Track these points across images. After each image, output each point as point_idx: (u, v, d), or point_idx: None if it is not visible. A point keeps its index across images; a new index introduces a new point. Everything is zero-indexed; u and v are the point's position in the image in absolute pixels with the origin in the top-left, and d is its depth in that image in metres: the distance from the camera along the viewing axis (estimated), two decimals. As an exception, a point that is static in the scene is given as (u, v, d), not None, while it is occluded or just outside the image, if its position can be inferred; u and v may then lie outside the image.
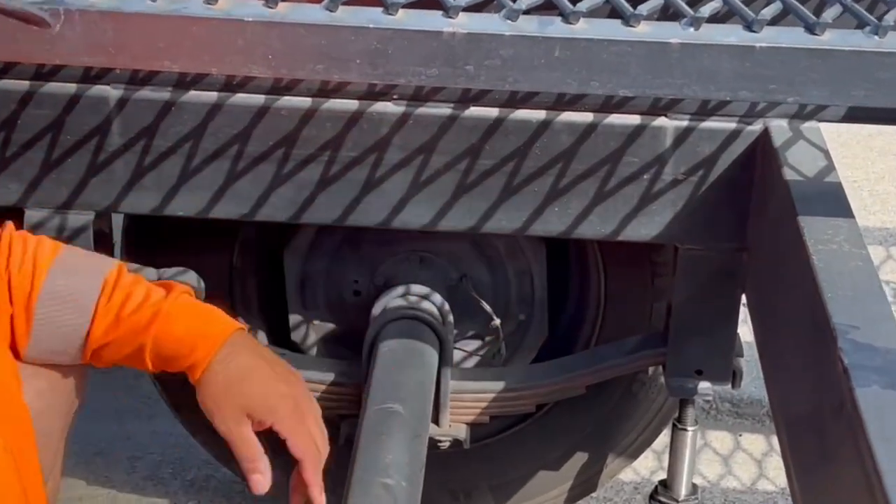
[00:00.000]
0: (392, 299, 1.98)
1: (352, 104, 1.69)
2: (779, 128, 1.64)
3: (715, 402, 2.84)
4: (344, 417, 1.98)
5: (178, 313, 1.39)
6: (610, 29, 1.35)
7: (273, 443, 1.46)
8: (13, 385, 1.34)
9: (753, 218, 1.68)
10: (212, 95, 1.69)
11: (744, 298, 1.78)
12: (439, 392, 1.93)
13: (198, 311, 1.41)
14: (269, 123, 1.69)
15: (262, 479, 1.39)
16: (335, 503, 2.11)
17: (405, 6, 1.36)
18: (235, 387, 1.37)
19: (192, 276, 1.88)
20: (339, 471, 1.95)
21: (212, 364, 1.37)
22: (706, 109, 1.66)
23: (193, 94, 1.69)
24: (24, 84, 1.69)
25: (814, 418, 1.30)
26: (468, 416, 1.98)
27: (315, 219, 1.76)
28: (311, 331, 2.13)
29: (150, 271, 1.88)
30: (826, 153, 1.60)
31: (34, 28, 1.31)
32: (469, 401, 1.97)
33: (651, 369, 2.06)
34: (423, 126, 1.69)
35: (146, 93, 1.69)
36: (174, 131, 1.70)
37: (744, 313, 1.77)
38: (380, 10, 1.36)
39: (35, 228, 1.74)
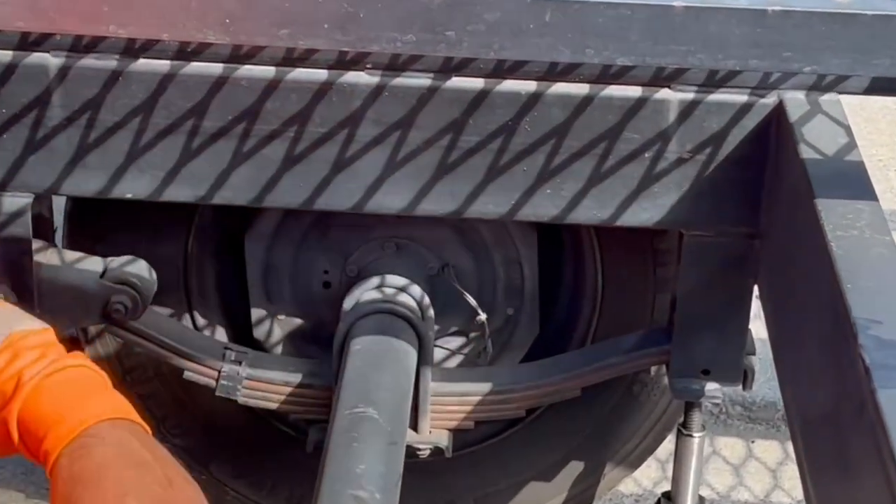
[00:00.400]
0: (365, 292, 1.99)
1: (320, 74, 1.68)
2: (795, 101, 1.65)
3: (724, 405, 2.84)
4: (312, 422, 1.98)
5: (50, 387, 1.20)
6: (607, -10, 1.36)
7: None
8: None
9: (766, 201, 1.69)
10: (163, 65, 1.69)
11: (756, 290, 1.79)
12: (418, 394, 1.93)
13: (73, 389, 1.21)
14: (228, 96, 1.69)
15: None
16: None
17: (379, -35, 1.36)
18: (79, 489, 1.14)
19: (142, 266, 1.88)
20: (307, 482, 1.96)
21: (59, 457, 1.16)
22: (714, 80, 1.66)
23: (143, 63, 1.69)
24: (-46, 52, 1.69)
25: (832, 422, 1.31)
26: (451, 421, 1.99)
27: (279, 202, 1.76)
28: (276, 326, 2.13)
29: (96, 261, 1.88)
30: (847, 129, 1.61)
31: None
32: (452, 404, 1.98)
33: (653, 369, 2.07)
34: (399, 99, 1.69)
35: (90, 61, 1.69)
36: (122, 104, 1.70)
37: (756, 307, 1.78)
38: (351, -32, 1.36)
39: (-33, 213, 1.74)
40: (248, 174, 1.73)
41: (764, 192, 1.69)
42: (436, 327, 2.04)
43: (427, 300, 1.99)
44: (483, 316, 2.07)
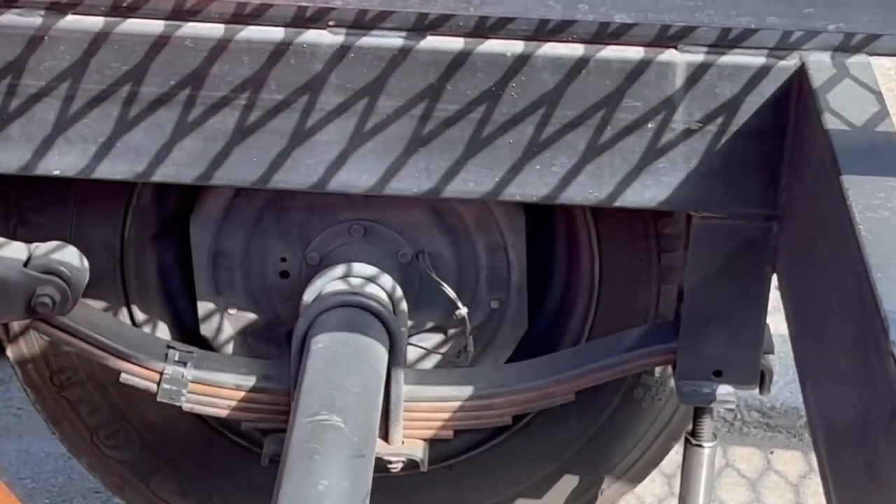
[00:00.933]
0: (329, 282, 1.98)
1: (275, 33, 1.68)
2: (818, 63, 1.65)
3: (739, 410, 2.86)
4: (267, 432, 1.98)
5: None
6: (603, -63, 1.36)
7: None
8: None
9: (786, 178, 1.69)
10: (96, 22, 1.68)
11: (774, 280, 1.79)
12: (389, 400, 1.93)
13: None
14: (170, 58, 1.69)
15: None
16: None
17: None
18: None
19: (71, 253, 1.88)
20: (261, 500, 1.95)
21: None
22: (726, 40, 1.66)
23: (72, 20, 1.68)
24: None
25: (861, 429, 1.31)
26: (426, 430, 1.99)
27: (230, 179, 1.76)
28: (227, 322, 2.13)
29: (19, 247, 1.87)
30: (878, 95, 1.61)
31: None
32: (427, 411, 1.98)
33: (658, 370, 2.07)
34: (366, 61, 1.69)
35: (11, 18, 1.68)
36: (48, 68, 1.69)
37: (774, 299, 1.78)
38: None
39: None
40: (194, 148, 1.73)
41: (783, 168, 1.69)
42: (409, 323, 2.03)
43: (399, 292, 1.99)
44: (463, 310, 2.07)
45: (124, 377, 1.97)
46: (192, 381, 1.95)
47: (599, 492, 2.22)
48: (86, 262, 1.89)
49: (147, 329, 2.14)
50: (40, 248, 1.88)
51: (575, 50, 1.68)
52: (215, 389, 1.96)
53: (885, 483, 1.22)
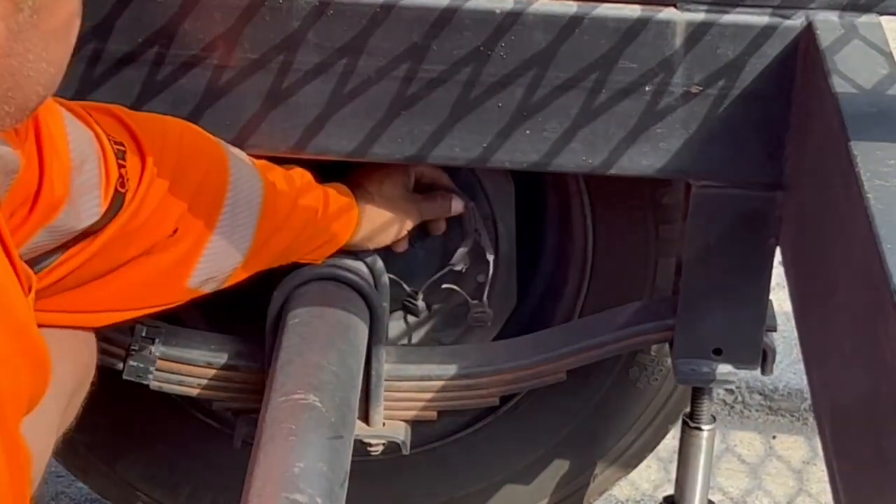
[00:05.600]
0: (306, 254, 1.99)
1: (249, -13, 1.68)
2: (826, 23, 1.65)
3: (740, 392, 2.86)
4: (240, 412, 1.98)
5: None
6: None
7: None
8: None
9: (790, 145, 1.69)
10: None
11: (777, 253, 1.79)
12: (369, 379, 1.94)
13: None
14: (138, 13, 1.68)
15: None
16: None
17: None
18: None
19: (32, 222, 1.87)
20: (233, 484, 1.94)
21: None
22: (729, -3, 1.67)
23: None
24: None
25: (868, 412, 1.31)
26: (409, 411, 1.99)
27: (200, 144, 1.76)
28: (197, 296, 2.13)
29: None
30: (889, 57, 1.62)
31: None
32: (410, 391, 1.98)
33: (654, 348, 2.08)
34: (346, 18, 1.68)
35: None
36: None
37: (778, 273, 1.78)
38: None
39: None
40: (162, 110, 1.72)
41: (788, 134, 1.69)
42: (391, 297, 2.03)
43: (380, 264, 1.99)
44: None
45: (88, 354, 1.96)
46: (160, 359, 1.95)
47: (591, 477, 2.22)
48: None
49: (112, 303, 2.14)
50: (-1, 215, 1.87)
51: (568, 7, 1.68)
52: (185, 367, 1.96)
53: (894, 466, 1.22)
